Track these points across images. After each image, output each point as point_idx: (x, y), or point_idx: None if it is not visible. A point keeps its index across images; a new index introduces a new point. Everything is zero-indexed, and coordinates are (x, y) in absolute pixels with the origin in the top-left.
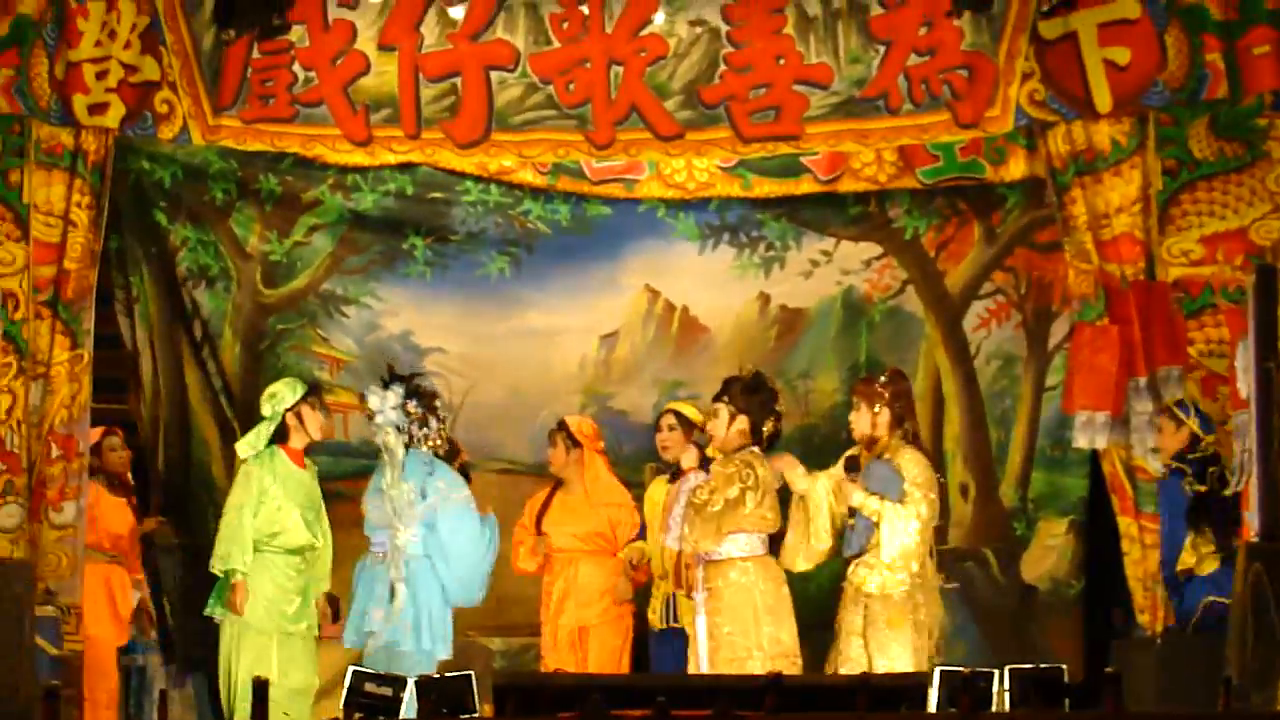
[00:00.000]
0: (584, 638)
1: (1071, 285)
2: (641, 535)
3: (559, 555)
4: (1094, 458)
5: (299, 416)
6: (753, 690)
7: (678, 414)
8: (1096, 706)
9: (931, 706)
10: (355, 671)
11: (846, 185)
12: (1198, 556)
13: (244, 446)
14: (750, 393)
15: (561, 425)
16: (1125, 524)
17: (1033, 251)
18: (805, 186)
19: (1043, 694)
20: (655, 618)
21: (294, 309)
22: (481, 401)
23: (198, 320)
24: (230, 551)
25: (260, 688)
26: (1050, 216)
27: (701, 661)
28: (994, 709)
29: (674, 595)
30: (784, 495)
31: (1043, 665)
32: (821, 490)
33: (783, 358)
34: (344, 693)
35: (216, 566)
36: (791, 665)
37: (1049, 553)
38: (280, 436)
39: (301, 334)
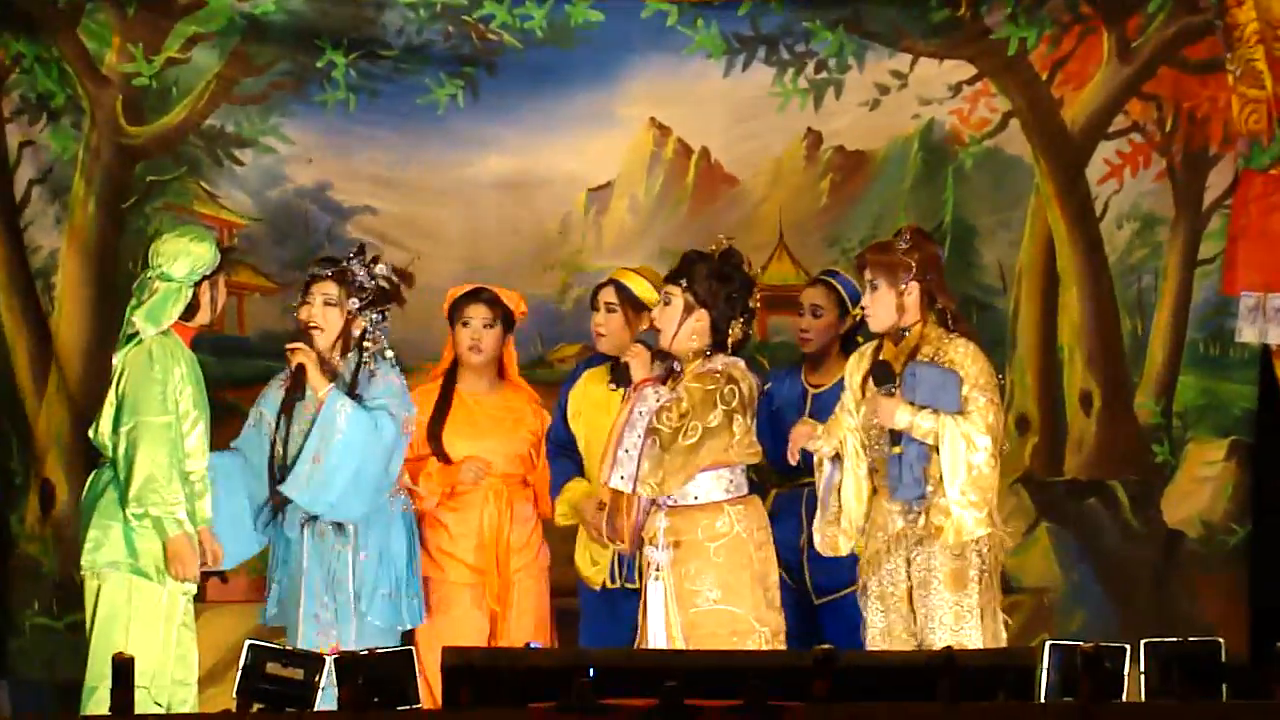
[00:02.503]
0: (503, 597)
1: (1235, 120)
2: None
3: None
4: (1265, 356)
5: (213, 288)
6: (793, 672)
7: (620, 287)
8: (1265, 694)
9: (1041, 693)
10: (253, 646)
11: None
12: None
13: (145, 318)
14: (718, 278)
15: (479, 293)
16: None
17: (1183, 73)
18: None
19: (1192, 677)
20: (595, 571)
21: (168, 153)
22: (425, 282)
23: (23, 170)
24: (154, 486)
25: (124, 667)
26: (1207, 23)
27: (660, 640)
28: (1125, 696)
29: None
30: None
31: (1192, 639)
32: (851, 450)
33: (838, 219)
34: (238, 676)
35: (138, 512)
36: (780, 643)
37: (1201, 486)
38: (185, 312)
39: (179, 188)
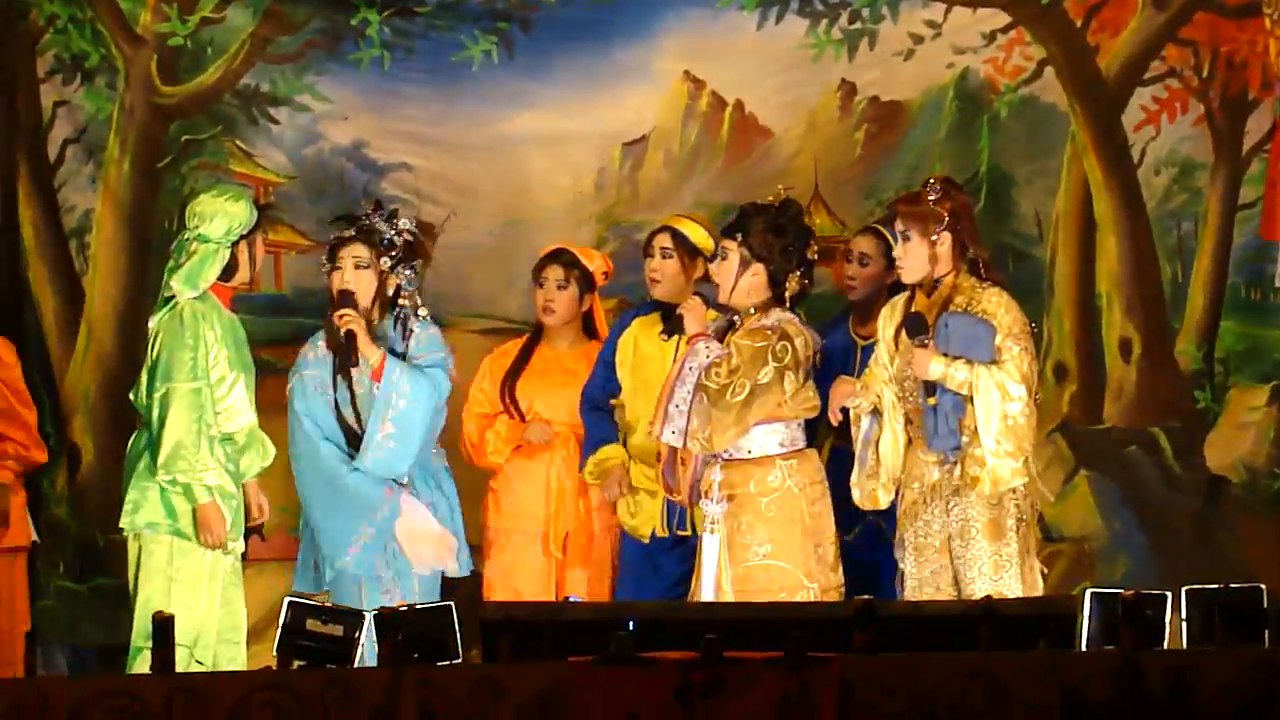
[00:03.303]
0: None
1: (1274, 63)
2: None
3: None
4: None
5: (250, 247)
6: (834, 623)
7: (676, 234)
8: None
9: (1082, 641)
10: (293, 604)
11: None
12: None
13: (183, 281)
14: (774, 231)
15: (558, 254)
16: None
17: (1220, 17)
18: None
19: (1235, 624)
20: (637, 523)
21: (203, 112)
22: (461, 238)
23: (57, 130)
24: (182, 453)
25: (165, 625)
26: None
27: (711, 593)
28: (1167, 644)
29: None
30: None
31: (1234, 585)
32: (888, 403)
33: (873, 169)
34: (278, 633)
35: (166, 478)
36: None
37: (1244, 432)
38: (223, 273)
39: (214, 147)
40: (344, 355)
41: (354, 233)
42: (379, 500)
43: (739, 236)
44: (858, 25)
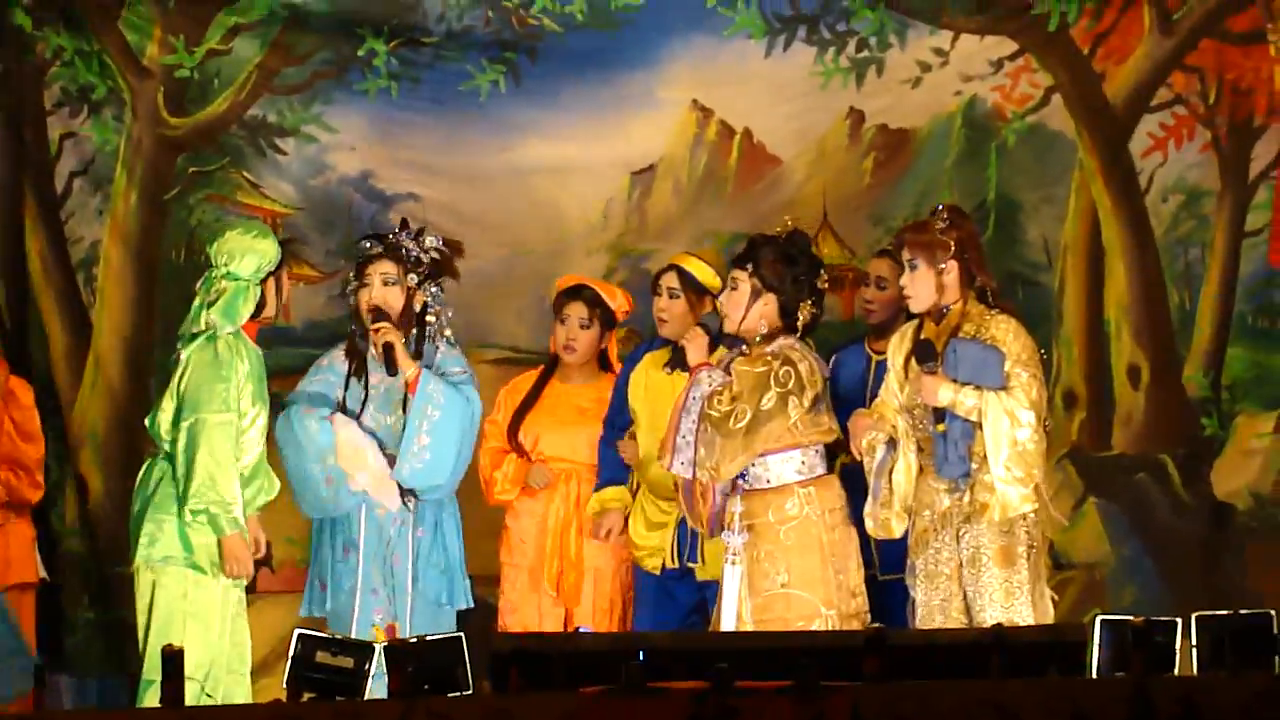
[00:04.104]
0: (594, 584)
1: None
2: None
3: (557, 466)
4: None
5: (278, 283)
6: (844, 652)
7: (683, 273)
8: None
9: (1093, 668)
10: (302, 636)
11: None
12: None
13: (221, 316)
14: (785, 261)
15: (580, 291)
16: None
17: (1226, 44)
18: None
19: (1244, 650)
20: (642, 555)
21: (210, 144)
22: (470, 266)
23: (64, 162)
24: (214, 485)
25: (174, 659)
26: None
27: (730, 624)
28: (1177, 670)
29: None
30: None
31: (1244, 612)
32: (901, 430)
33: (881, 197)
34: (288, 665)
35: (195, 507)
36: (864, 625)
37: (1251, 459)
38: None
39: (222, 179)
40: (359, 361)
41: (382, 250)
42: (318, 432)
43: (749, 266)
44: (865, 53)
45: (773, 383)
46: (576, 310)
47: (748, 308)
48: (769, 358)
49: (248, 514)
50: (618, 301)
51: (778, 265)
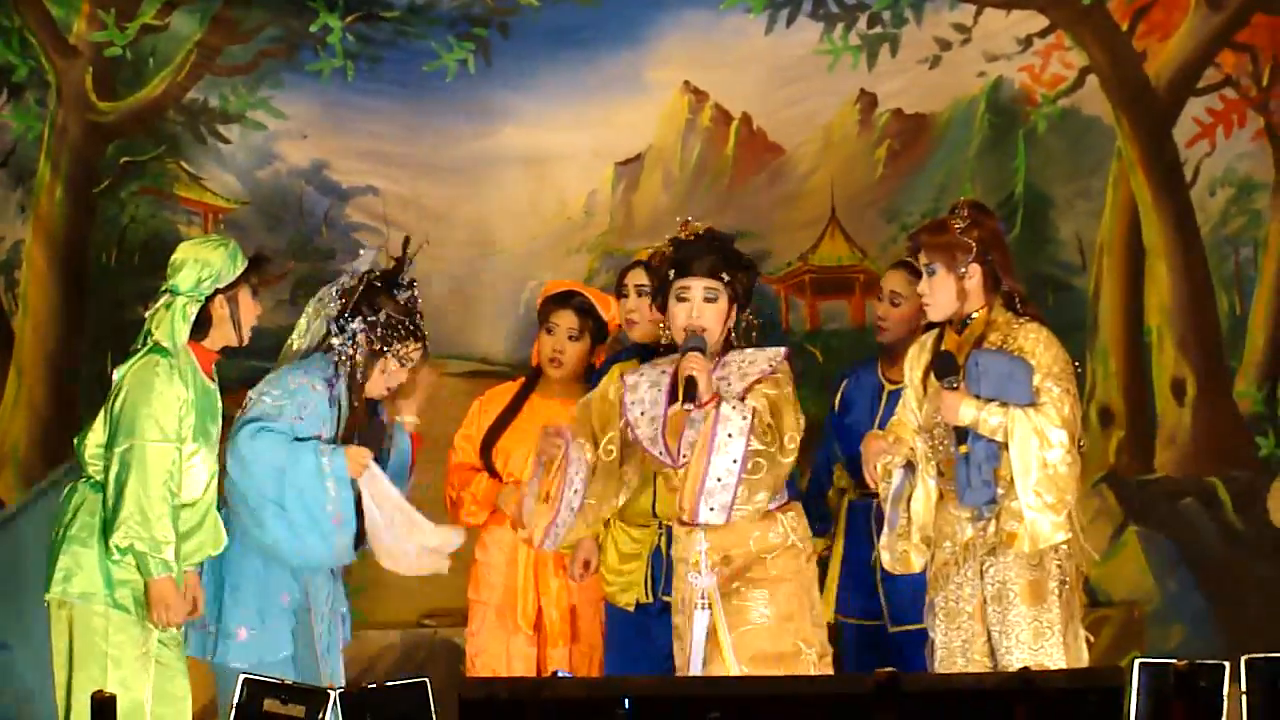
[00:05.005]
0: (573, 621)
1: None
2: None
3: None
4: None
5: (233, 303)
6: (851, 699)
7: (651, 269)
8: None
9: (1130, 717)
10: (248, 681)
11: None
12: None
13: (163, 334)
14: (743, 267)
15: (570, 298)
16: None
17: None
18: None
19: None
20: (613, 591)
21: (145, 131)
22: (436, 269)
23: None
24: (143, 520)
25: (105, 706)
26: None
27: (699, 667)
28: (1225, 718)
29: (665, 555)
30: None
31: None
32: (921, 454)
33: (896, 191)
34: (231, 715)
35: (120, 543)
36: (827, 665)
37: None
38: (194, 329)
39: (158, 169)
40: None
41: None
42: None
43: (725, 275)
44: (878, 29)
45: (791, 405)
46: (566, 320)
47: (725, 321)
48: (778, 378)
49: (186, 568)
50: (611, 312)
51: (739, 272)
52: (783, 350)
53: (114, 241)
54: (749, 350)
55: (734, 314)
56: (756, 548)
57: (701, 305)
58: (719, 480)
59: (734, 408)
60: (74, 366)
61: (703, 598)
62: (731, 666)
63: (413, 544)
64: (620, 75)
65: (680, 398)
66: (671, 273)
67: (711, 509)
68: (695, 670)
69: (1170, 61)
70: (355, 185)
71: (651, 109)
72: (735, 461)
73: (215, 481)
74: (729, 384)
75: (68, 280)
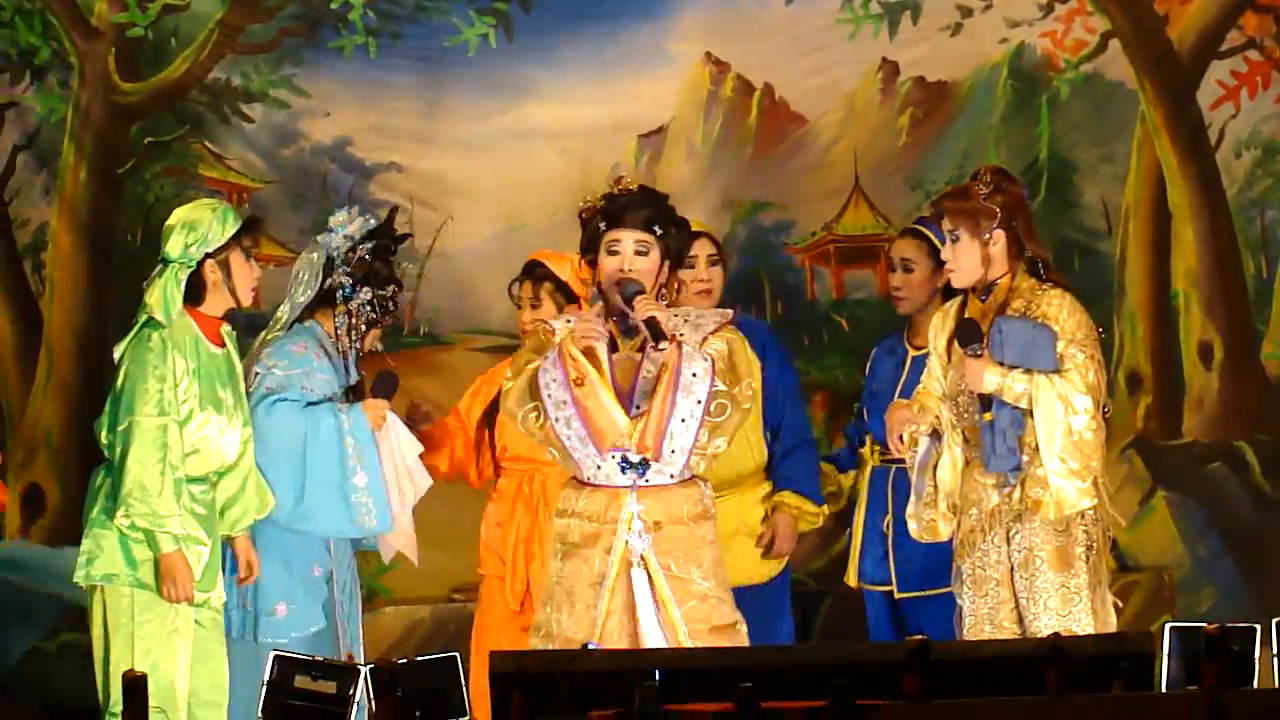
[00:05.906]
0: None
1: None
2: None
3: (517, 467)
4: None
5: (225, 267)
6: (881, 667)
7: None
8: None
9: (1161, 682)
10: (279, 658)
11: None
12: None
13: (156, 304)
14: (679, 224)
15: (531, 269)
16: None
17: None
18: None
19: None
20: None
21: (168, 111)
22: (459, 245)
23: (5, 135)
24: (142, 496)
25: (135, 686)
26: None
27: (658, 634)
28: (1256, 683)
29: None
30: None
31: None
32: (946, 422)
33: (919, 159)
34: (262, 691)
35: (125, 523)
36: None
37: None
38: (191, 295)
39: (181, 150)
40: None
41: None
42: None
43: (657, 229)
44: None
45: (750, 357)
46: (526, 291)
47: (657, 274)
48: (731, 333)
49: (235, 533)
50: (567, 273)
51: (674, 228)
52: (730, 311)
53: (139, 222)
54: (693, 309)
55: (664, 271)
56: (688, 515)
57: (633, 258)
58: (683, 421)
59: (696, 352)
60: (104, 348)
61: (638, 557)
62: (685, 641)
63: (412, 495)
64: (642, 48)
65: (652, 339)
66: (603, 224)
67: (673, 451)
68: (651, 635)
69: (1193, 24)
70: (379, 162)
71: (673, 81)
72: (699, 402)
73: (251, 446)
74: (683, 335)
75: (94, 262)
